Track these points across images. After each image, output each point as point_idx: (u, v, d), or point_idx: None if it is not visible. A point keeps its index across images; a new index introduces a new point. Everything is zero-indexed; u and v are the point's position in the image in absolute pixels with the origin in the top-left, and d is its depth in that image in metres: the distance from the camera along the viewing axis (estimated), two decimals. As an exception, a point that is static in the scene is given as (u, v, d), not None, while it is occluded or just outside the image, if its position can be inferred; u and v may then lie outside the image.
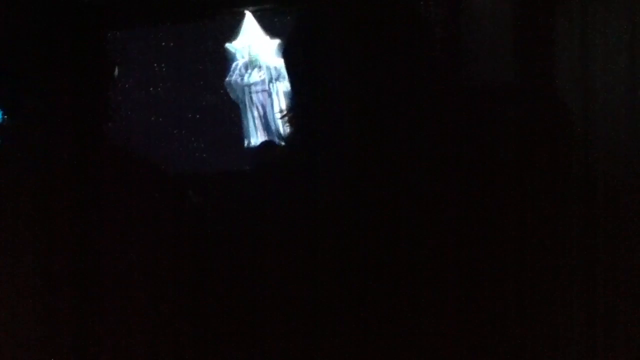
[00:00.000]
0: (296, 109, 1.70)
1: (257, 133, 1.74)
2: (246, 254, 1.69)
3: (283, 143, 1.73)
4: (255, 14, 1.72)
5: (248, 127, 1.75)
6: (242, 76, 1.74)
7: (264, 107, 1.75)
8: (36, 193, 1.75)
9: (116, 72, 1.74)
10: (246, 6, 1.72)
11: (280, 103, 1.73)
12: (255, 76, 1.74)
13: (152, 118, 1.73)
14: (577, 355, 1.58)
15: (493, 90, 1.62)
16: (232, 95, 1.75)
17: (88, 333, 1.74)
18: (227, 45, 1.73)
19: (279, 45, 1.71)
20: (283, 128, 1.72)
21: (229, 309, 1.70)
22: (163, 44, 1.72)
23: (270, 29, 1.72)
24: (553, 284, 1.59)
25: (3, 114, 1.76)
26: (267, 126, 1.74)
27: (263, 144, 1.73)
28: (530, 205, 1.59)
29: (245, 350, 1.69)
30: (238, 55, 1.74)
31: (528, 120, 1.60)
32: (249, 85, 1.74)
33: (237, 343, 1.69)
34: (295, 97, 1.70)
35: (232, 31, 1.73)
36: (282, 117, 1.71)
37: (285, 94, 1.72)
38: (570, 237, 1.58)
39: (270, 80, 1.74)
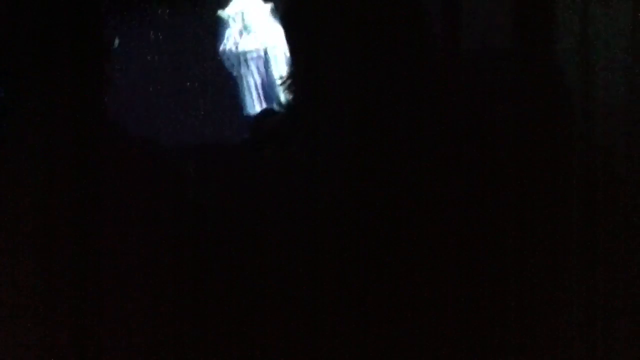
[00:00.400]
0: (295, 74, 1.66)
1: (254, 101, 1.70)
2: (248, 238, 1.68)
3: (283, 110, 1.68)
4: None
5: (245, 95, 1.70)
6: (236, 43, 1.70)
7: (260, 74, 1.70)
8: (36, 193, 1.75)
9: (116, 42, 1.72)
10: None
11: (278, 69, 1.69)
12: (250, 43, 1.70)
13: (148, 87, 1.69)
14: (577, 355, 1.58)
15: (493, 88, 1.62)
16: (227, 64, 1.70)
17: (88, 333, 1.74)
18: (220, 11, 1.69)
19: (274, 9, 1.68)
20: (282, 95, 1.68)
21: (228, 306, 1.70)
22: (159, 11, 1.69)
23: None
24: (553, 283, 1.59)
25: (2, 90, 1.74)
26: (265, 94, 1.70)
27: (262, 111, 1.69)
28: (530, 205, 1.59)
29: (245, 349, 1.69)
30: (231, 22, 1.70)
31: (528, 118, 1.60)
32: (244, 53, 1.70)
33: (237, 343, 1.69)
34: (294, 62, 1.66)
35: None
36: (281, 84, 1.66)
37: (283, 59, 1.68)
38: (570, 236, 1.58)
39: (266, 46, 1.70)
